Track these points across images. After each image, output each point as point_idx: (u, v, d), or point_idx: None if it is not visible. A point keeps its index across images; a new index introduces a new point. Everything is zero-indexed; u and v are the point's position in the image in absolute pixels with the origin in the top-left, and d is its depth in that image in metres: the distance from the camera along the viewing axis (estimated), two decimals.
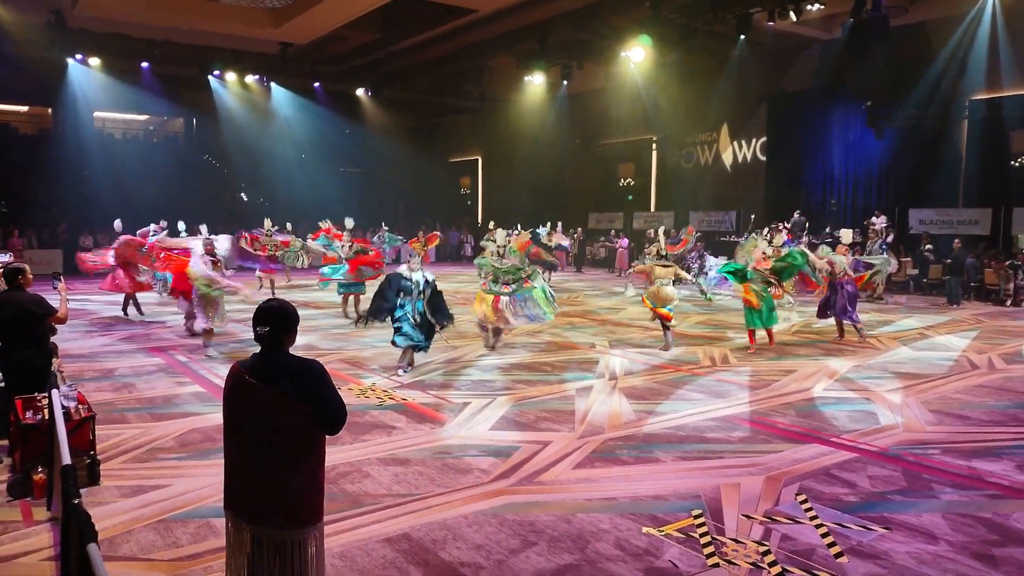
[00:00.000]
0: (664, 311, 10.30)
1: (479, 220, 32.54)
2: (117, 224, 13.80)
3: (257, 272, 16.45)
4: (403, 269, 8.77)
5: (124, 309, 13.50)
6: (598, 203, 28.86)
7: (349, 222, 14.27)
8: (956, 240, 16.79)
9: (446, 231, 25.18)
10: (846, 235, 12.12)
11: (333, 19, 20.44)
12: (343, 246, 13.41)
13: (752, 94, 22.46)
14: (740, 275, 10.71)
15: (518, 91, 26.38)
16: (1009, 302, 15.75)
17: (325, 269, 13.54)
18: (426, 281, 8.70)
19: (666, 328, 10.48)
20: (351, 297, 13.19)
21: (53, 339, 6.36)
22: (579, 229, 23.99)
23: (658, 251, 10.77)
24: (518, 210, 27.09)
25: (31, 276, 5.90)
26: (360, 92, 27.36)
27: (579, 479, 5.45)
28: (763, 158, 23.44)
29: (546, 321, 10.50)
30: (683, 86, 23.20)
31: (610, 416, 7.06)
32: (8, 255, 8.89)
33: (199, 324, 10.10)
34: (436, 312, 8.72)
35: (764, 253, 10.90)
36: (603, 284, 20.36)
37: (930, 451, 6.08)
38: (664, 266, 10.43)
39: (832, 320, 11.50)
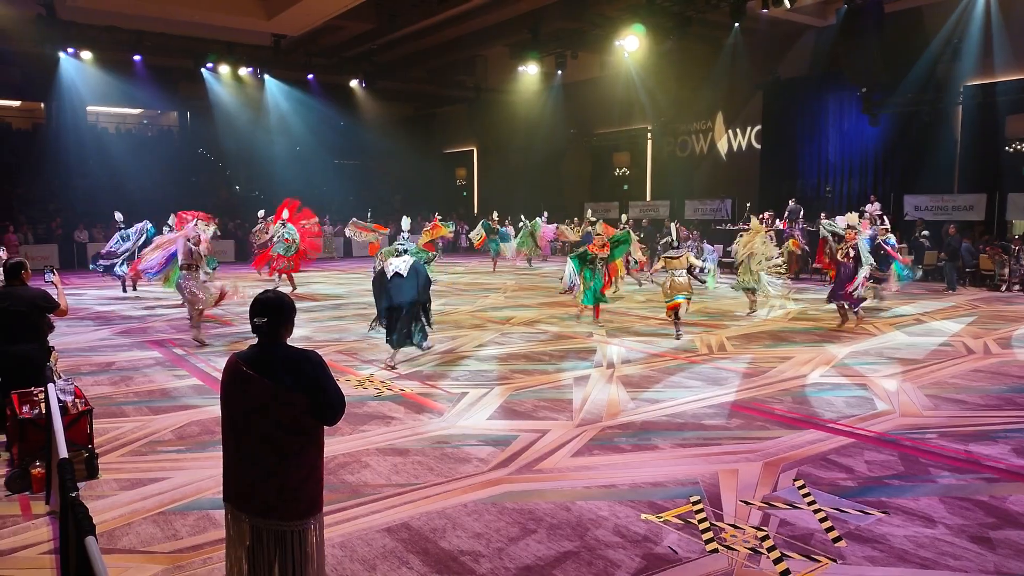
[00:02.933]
0: (677, 300, 10.51)
1: (475, 211, 32.50)
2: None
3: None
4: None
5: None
6: (593, 193, 28.83)
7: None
8: (951, 226, 16.83)
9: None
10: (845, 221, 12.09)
11: (326, 10, 20.32)
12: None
13: (747, 82, 22.41)
14: (581, 259, 11.59)
15: (513, 81, 26.31)
16: (1004, 287, 15.81)
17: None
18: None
19: (677, 318, 10.65)
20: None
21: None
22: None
23: (669, 243, 11.01)
24: (513, 200, 27.06)
25: (30, 271, 5.91)
26: (354, 83, 27.22)
27: (578, 467, 5.46)
28: (758, 146, 23.41)
29: None
30: (677, 75, 23.14)
31: (608, 404, 7.07)
32: (3, 250, 8.89)
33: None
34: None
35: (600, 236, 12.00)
36: None
37: (927, 435, 6.11)
38: (674, 257, 10.68)
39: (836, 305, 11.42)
